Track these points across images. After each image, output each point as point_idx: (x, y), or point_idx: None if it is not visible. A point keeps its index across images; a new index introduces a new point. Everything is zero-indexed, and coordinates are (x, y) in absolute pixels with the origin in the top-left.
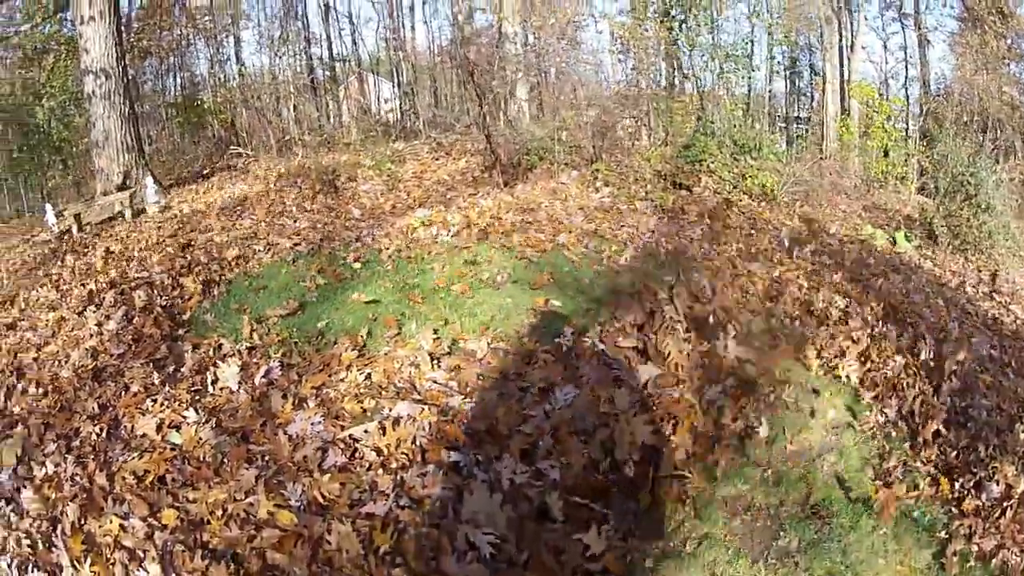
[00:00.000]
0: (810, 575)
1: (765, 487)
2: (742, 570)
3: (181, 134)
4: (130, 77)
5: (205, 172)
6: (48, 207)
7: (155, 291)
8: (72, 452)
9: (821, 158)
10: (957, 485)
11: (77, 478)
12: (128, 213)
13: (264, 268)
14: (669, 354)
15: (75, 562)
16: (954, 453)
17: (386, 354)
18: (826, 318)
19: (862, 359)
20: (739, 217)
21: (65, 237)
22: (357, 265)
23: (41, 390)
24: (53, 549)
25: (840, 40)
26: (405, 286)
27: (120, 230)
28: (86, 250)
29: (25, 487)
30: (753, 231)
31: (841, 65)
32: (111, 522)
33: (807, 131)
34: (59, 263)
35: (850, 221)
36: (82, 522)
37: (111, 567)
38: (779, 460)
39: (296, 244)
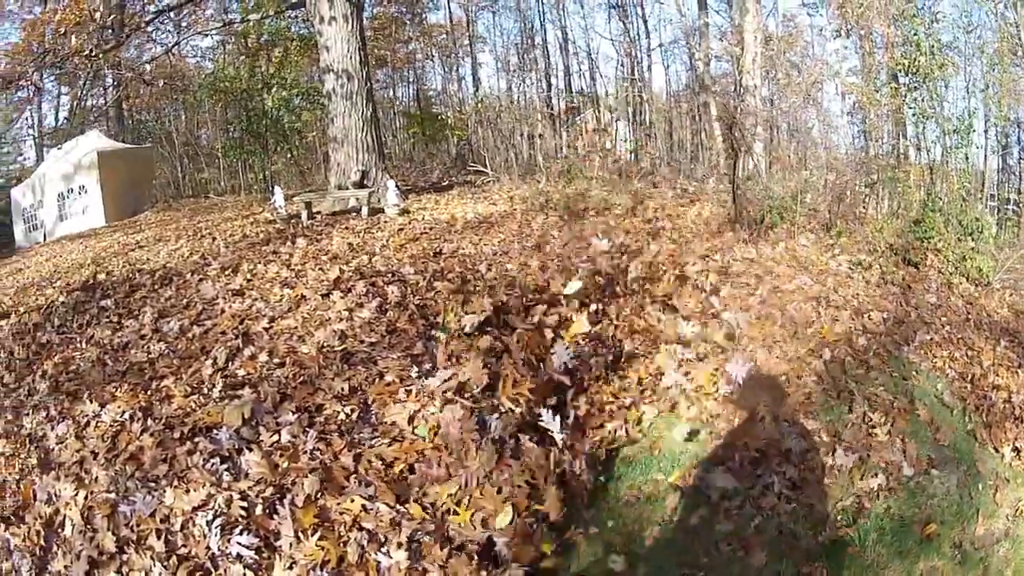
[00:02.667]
0: None
1: (954, 564)
2: None
3: (413, 144)
4: (371, 82)
5: (443, 184)
6: (277, 189)
7: (408, 289)
8: (314, 427)
9: None
10: None
11: (318, 453)
12: (364, 211)
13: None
14: None
15: (300, 533)
16: None
17: None
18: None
19: None
20: (958, 300)
21: (293, 221)
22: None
23: (276, 360)
24: (275, 516)
25: None
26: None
27: (355, 225)
28: (319, 237)
29: (250, 450)
30: (968, 318)
31: None
32: (352, 502)
33: (1016, 213)
34: (289, 243)
35: None
36: (317, 497)
37: (343, 545)
38: (969, 542)
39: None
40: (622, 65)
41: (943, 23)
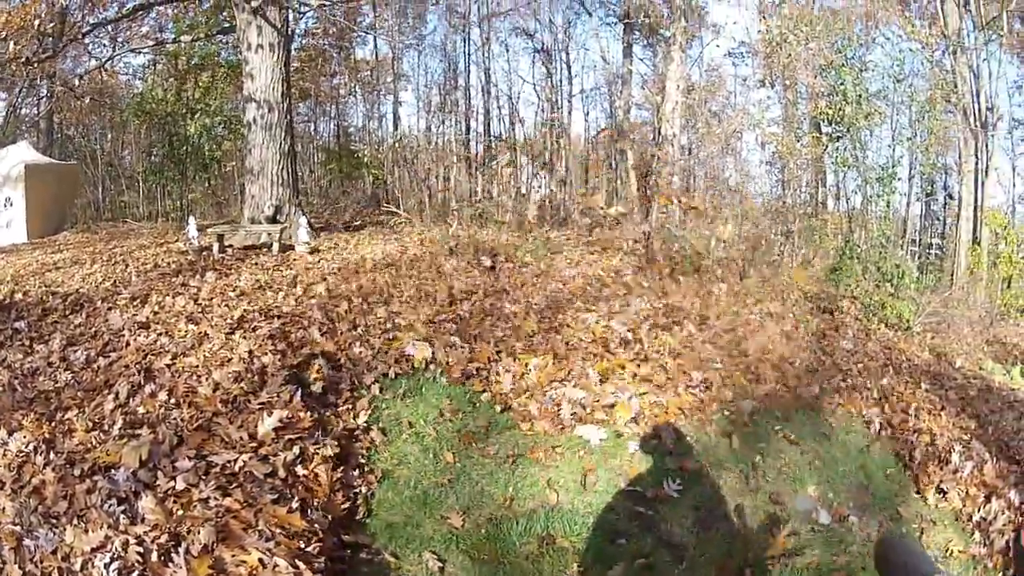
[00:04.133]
0: None
1: None
2: None
3: (330, 181)
4: (292, 115)
5: (355, 224)
6: (191, 220)
7: (312, 332)
8: (211, 474)
9: (952, 290)
10: None
11: (213, 502)
12: (276, 247)
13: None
14: None
15: None
16: None
17: None
18: (948, 455)
19: (972, 495)
20: (876, 345)
21: (204, 253)
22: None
23: (173, 400)
24: (170, 564)
25: (976, 163)
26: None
27: (265, 261)
28: (228, 272)
29: (146, 494)
30: (888, 363)
31: (976, 190)
32: (250, 555)
33: (939, 257)
34: (198, 277)
35: (973, 356)
36: (213, 548)
37: None
38: None
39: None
40: (542, 110)
41: (873, 72)
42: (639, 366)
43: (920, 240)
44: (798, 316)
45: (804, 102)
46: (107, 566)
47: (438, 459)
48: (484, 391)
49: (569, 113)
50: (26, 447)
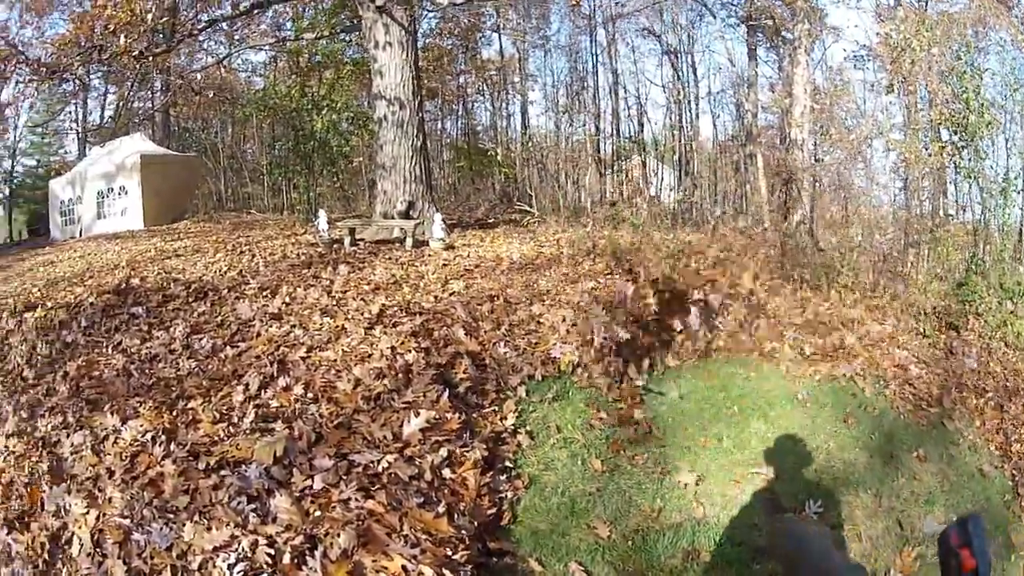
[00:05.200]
0: None
1: None
2: None
3: (459, 178)
4: (424, 112)
5: (488, 221)
6: (321, 212)
7: (456, 331)
8: (352, 476)
9: None
10: None
11: (353, 504)
12: (409, 242)
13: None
14: None
15: None
16: None
17: None
18: None
19: None
20: (997, 366)
21: (335, 246)
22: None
23: (310, 395)
24: (304, 568)
25: None
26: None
27: (399, 256)
28: (362, 265)
29: (280, 493)
30: (1007, 385)
31: None
32: (393, 561)
33: None
34: (331, 269)
35: None
36: (352, 552)
37: None
38: None
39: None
40: (670, 112)
41: (993, 79)
42: (791, 368)
43: None
44: (928, 332)
45: (925, 108)
46: (231, 567)
47: (586, 466)
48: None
49: (697, 116)
50: (142, 436)
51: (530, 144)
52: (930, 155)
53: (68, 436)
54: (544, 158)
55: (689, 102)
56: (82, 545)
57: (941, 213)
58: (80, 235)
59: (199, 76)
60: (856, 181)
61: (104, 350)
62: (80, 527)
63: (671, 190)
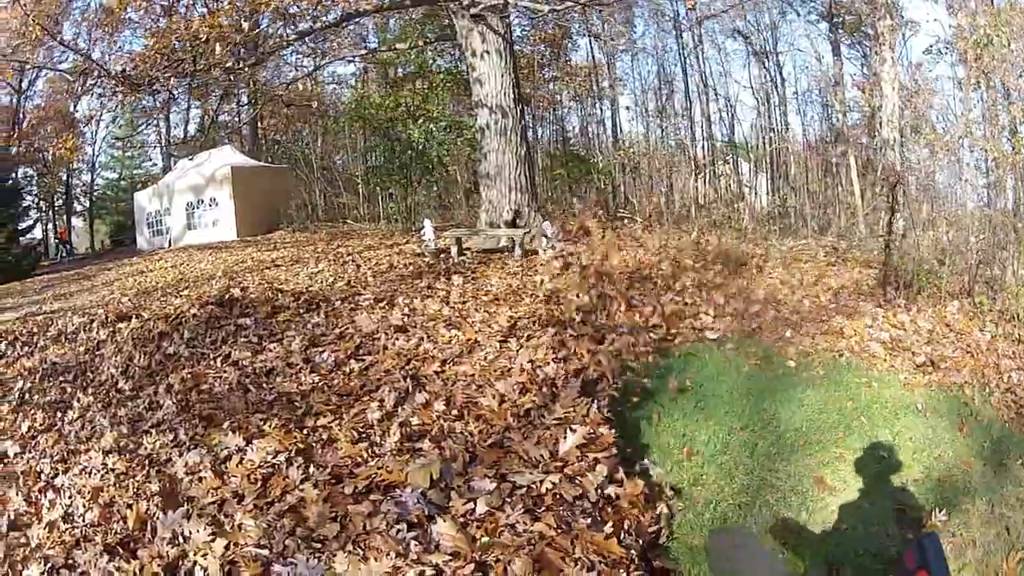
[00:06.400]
0: None
1: None
2: None
3: (556, 186)
4: (526, 119)
5: (592, 230)
6: (427, 221)
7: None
8: (515, 498)
9: None
10: None
11: (521, 528)
12: (518, 251)
13: (692, 345)
14: None
15: None
16: None
17: None
18: None
19: None
20: None
21: (442, 256)
22: (791, 364)
23: (454, 411)
24: None
25: None
26: (840, 397)
27: (510, 265)
28: (474, 275)
29: (442, 518)
30: None
31: None
32: None
33: None
34: (444, 279)
35: None
36: None
37: None
38: None
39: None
40: (759, 114)
41: None
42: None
43: None
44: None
45: (1005, 104)
46: None
47: (732, 479)
48: (772, 409)
49: (785, 116)
50: (272, 457)
51: (626, 149)
52: (1016, 152)
53: (181, 455)
54: (637, 164)
55: (777, 103)
56: None
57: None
58: (169, 245)
59: (286, 88)
60: (941, 180)
61: (212, 362)
62: (204, 556)
63: (767, 194)
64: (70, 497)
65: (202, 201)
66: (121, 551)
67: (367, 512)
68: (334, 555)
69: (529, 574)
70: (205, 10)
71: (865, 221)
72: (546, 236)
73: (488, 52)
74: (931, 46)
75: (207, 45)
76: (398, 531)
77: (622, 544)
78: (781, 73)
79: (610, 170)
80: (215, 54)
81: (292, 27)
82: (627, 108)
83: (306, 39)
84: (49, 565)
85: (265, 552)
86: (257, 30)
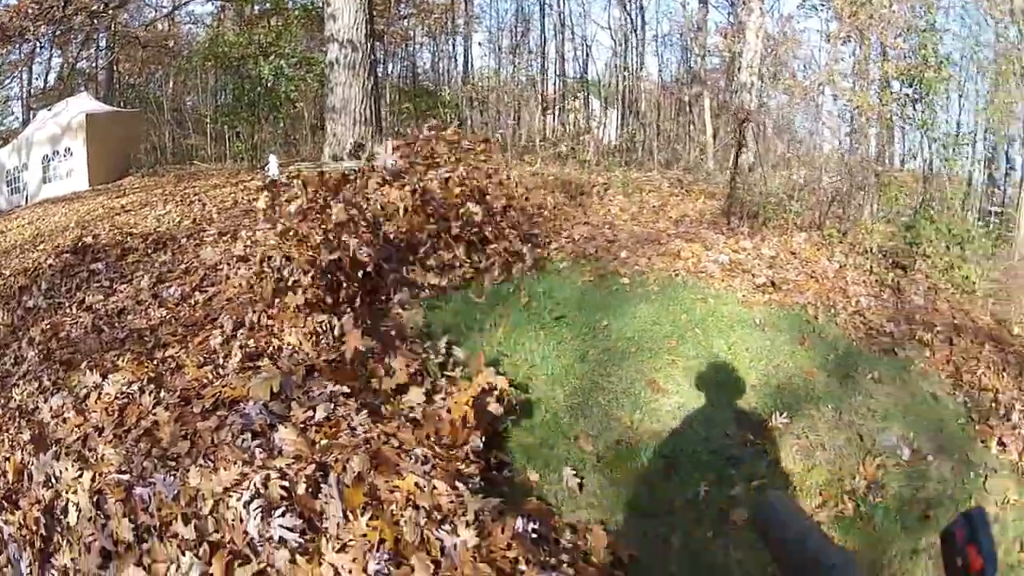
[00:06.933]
0: None
1: None
2: None
3: (404, 120)
4: (375, 54)
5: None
6: (272, 157)
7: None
8: (353, 403)
9: (1013, 259)
10: None
11: (361, 430)
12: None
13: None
14: None
15: (349, 513)
16: None
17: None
18: (1009, 412)
19: None
20: (944, 304)
21: (285, 191)
22: (625, 281)
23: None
24: (318, 496)
25: None
26: (675, 310)
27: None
28: (314, 207)
29: (284, 425)
30: (955, 321)
31: None
32: (404, 479)
33: (999, 226)
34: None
35: None
36: (365, 476)
37: (399, 525)
38: None
39: (558, 248)
40: (615, 54)
41: (953, 40)
42: (746, 296)
43: (981, 207)
44: (875, 270)
45: (878, 60)
46: (247, 504)
47: (564, 383)
48: (605, 321)
49: (642, 57)
50: (127, 388)
51: (474, 85)
52: (883, 104)
53: (46, 401)
54: (486, 99)
55: (635, 45)
56: (80, 511)
57: (887, 161)
58: (26, 203)
59: (145, 29)
60: (801, 124)
61: (68, 310)
62: (75, 492)
63: (616, 130)
64: None
65: (57, 152)
66: (6, 504)
67: (214, 427)
68: (187, 470)
69: (367, 469)
70: None
71: (715, 158)
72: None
73: None
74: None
75: None
76: (243, 440)
77: (457, 445)
78: (643, 16)
79: (457, 103)
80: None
81: None
82: (480, 44)
83: None
84: None
85: (126, 477)
86: None
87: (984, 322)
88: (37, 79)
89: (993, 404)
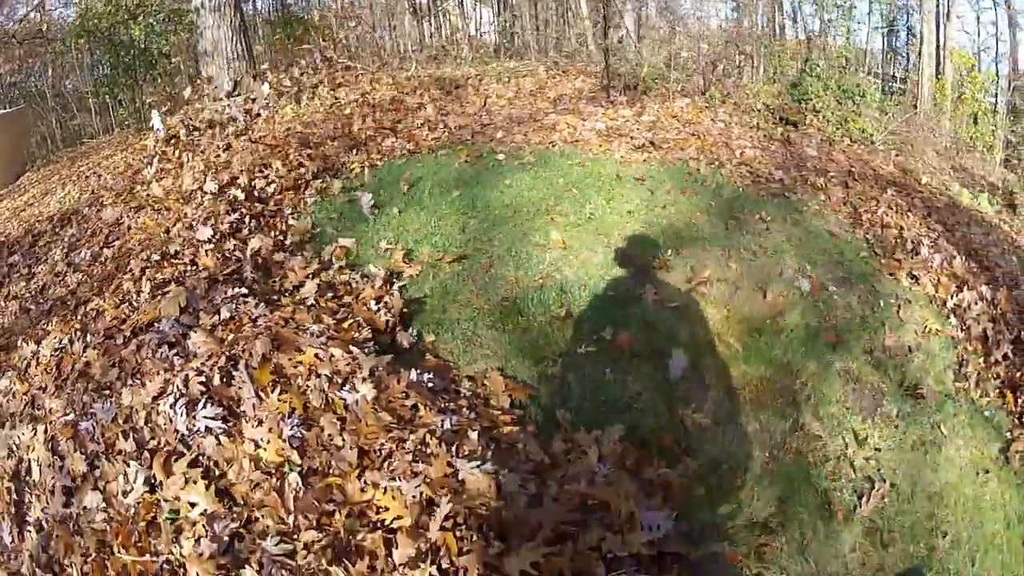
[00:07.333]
0: (907, 436)
1: (870, 368)
2: (855, 424)
3: (278, 51)
4: None
5: (314, 85)
6: (154, 113)
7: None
8: (248, 302)
9: (915, 112)
10: (1020, 400)
11: (262, 321)
12: (242, 118)
13: (408, 159)
14: None
15: (261, 392)
16: (1019, 374)
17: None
18: (917, 247)
19: (944, 284)
20: (840, 155)
21: (173, 141)
22: (501, 157)
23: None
24: (232, 384)
25: (937, 6)
26: (551, 176)
27: (233, 130)
28: (200, 149)
29: (194, 332)
30: (852, 169)
31: (937, 30)
32: (304, 353)
33: (902, 90)
34: (174, 158)
35: (939, 177)
36: (270, 356)
37: (305, 394)
38: (880, 350)
39: (435, 139)
40: None
41: None
42: (625, 156)
43: (882, 72)
44: (762, 126)
45: None
46: (173, 406)
47: (446, 252)
48: (483, 193)
49: None
50: (59, 344)
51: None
52: None
53: None
54: (358, 16)
55: None
56: (40, 464)
57: (776, 28)
58: None
59: (19, 24)
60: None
61: None
62: (32, 449)
63: (491, 26)
64: None
65: None
66: None
67: (135, 348)
68: (120, 393)
69: (270, 351)
70: None
71: (595, 42)
72: (265, 93)
73: None
74: None
75: None
76: (161, 353)
77: (353, 319)
78: None
79: (328, 25)
80: None
81: None
82: None
83: None
84: None
85: (71, 416)
86: None
87: (887, 171)
88: None
89: (898, 240)
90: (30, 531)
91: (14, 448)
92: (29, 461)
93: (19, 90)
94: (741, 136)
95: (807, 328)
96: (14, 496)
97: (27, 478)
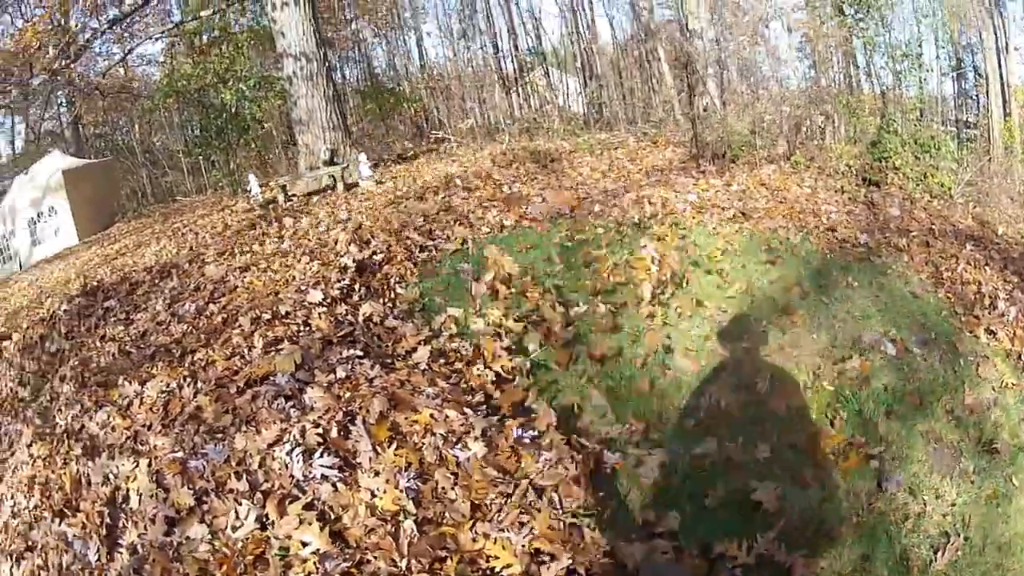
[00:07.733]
0: (982, 490)
1: (950, 428)
2: (935, 482)
3: (370, 121)
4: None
5: (409, 155)
6: (252, 177)
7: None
8: (364, 363)
9: (988, 159)
10: None
11: (378, 381)
12: (340, 186)
13: (510, 233)
14: None
15: (377, 446)
16: None
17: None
18: (994, 301)
19: (1020, 336)
20: (922, 213)
21: (271, 206)
22: (600, 231)
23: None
24: (349, 437)
25: (996, 41)
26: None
27: (335, 199)
28: (302, 215)
29: (310, 387)
30: (933, 227)
31: (1000, 67)
32: (420, 413)
33: (975, 136)
34: (276, 225)
35: (1014, 225)
36: (387, 414)
37: (420, 450)
38: (960, 408)
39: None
40: (565, 20)
41: None
42: (717, 227)
43: (956, 118)
44: (847, 189)
45: None
46: (289, 453)
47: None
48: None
49: (592, 21)
50: (166, 388)
51: (429, 75)
52: (828, 29)
53: (91, 419)
54: (447, 87)
55: (583, 7)
56: (140, 493)
57: (852, 84)
58: (20, 268)
59: (103, 77)
60: (760, 62)
61: (93, 344)
62: (134, 479)
63: (579, 95)
64: (12, 497)
65: (41, 214)
66: (67, 512)
67: (250, 398)
68: (233, 438)
69: (387, 409)
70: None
71: (682, 109)
72: (364, 167)
73: (287, 3)
74: None
75: (39, 51)
76: (278, 404)
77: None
78: None
79: (419, 96)
80: (47, 58)
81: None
82: (429, 34)
83: (115, 26)
84: (12, 557)
85: (180, 455)
86: (79, 25)
87: (966, 225)
88: (4, 149)
89: (976, 296)
90: (121, 552)
91: (111, 477)
92: (128, 490)
93: (105, 142)
94: (827, 200)
95: (892, 391)
96: (107, 520)
97: (124, 505)
